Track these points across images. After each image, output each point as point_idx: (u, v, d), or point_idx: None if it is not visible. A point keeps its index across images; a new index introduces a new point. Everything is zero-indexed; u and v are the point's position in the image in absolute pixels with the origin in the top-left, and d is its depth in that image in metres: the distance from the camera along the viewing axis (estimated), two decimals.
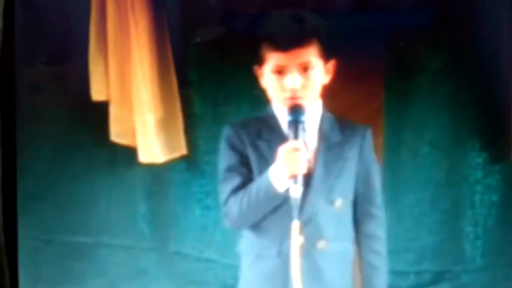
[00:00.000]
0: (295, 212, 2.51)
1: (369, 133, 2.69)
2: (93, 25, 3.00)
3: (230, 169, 2.64)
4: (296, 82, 2.58)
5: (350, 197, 2.65)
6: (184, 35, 3.02)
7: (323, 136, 2.65)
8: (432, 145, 3.06)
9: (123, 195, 3.07)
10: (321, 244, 2.59)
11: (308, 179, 2.56)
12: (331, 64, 2.65)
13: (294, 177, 2.51)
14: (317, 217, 2.59)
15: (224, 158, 2.66)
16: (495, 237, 3.05)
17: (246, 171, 2.62)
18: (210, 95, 3.04)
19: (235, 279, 2.81)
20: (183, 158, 3.06)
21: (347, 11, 3.04)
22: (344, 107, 2.91)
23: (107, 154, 3.05)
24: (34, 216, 3.00)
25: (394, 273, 3.04)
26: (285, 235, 2.55)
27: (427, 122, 3.05)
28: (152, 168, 3.05)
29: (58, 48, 3.02)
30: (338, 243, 2.62)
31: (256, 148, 2.63)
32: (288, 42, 2.57)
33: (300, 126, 2.55)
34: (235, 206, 2.59)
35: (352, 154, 2.66)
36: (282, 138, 2.59)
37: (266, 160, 2.60)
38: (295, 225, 2.51)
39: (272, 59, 2.60)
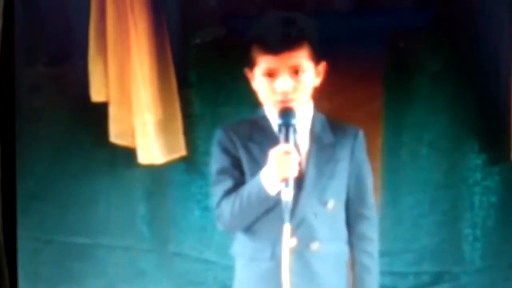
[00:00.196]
0: (286, 216, 2.50)
1: (360, 134, 2.68)
2: (93, 26, 3.00)
3: (222, 172, 2.63)
4: (287, 85, 2.57)
5: (343, 198, 2.65)
6: (183, 36, 3.02)
7: (315, 138, 2.64)
8: (432, 146, 3.07)
9: (122, 196, 3.07)
10: (314, 246, 2.58)
11: (300, 180, 2.56)
12: (322, 66, 2.64)
13: (285, 180, 2.50)
14: (310, 219, 2.59)
15: (216, 161, 2.65)
16: (494, 238, 3.05)
17: (238, 174, 2.62)
18: (210, 96, 3.04)
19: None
20: (182, 159, 3.07)
21: (347, 12, 3.04)
22: (343, 107, 2.92)
23: (107, 155, 3.05)
24: (33, 216, 3.01)
25: (394, 274, 3.05)
26: (278, 238, 2.54)
27: (427, 123, 3.06)
28: (151, 169, 3.05)
29: (57, 48, 3.02)
30: (331, 244, 2.62)
31: (248, 150, 2.63)
32: (278, 46, 2.56)
33: (291, 129, 2.55)
34: (227, 208, 2.59)
35: (344, 155, 2.65)
36: (274, 141, 2.59)
37: (258, 163, 2.60)
38: (287, 228, 2.51)
39: (263, 62, 2.59)
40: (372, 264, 2.66)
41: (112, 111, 3.03)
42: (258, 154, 2.60)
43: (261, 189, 2.53)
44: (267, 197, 2.53)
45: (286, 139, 2.52)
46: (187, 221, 3.07)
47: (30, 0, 2.97)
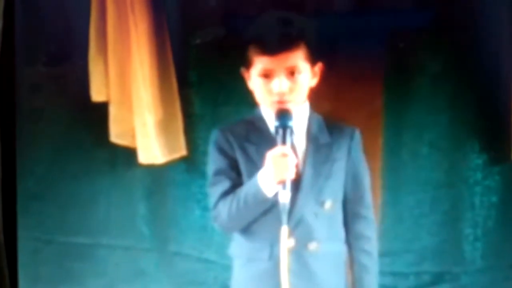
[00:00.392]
0: (284, 217, 2.50)
1: (357, 134, 2.68)
2: (93, 26, 3.00)
3: (218, 173, 2.63)
4: (284, 86, 2.56)
5: (340, 198, 2.65)
6: (184, 37, 3.02)
7: (312, 138, 2.64)
8: (432, 146, 3.07)
9: (122, 196, 3.07)
10: (312, 246, 2.58)
11: (297, 181, 2.55)
12: (318, 67, 2.64)
13: (283, 182, 2.50)
14: (308, 219, 2.59)
15: (213, 162, 2.65)
16: (495, 238, 3.05)
17: (235, 175, 2.62)
18: (210, 96, 3.05)
19: None
20: (182, 159, 3.07)
21: (347, 12, 3.04)
22: (344, 108, 2.92)
23: (107, 154, 3.05)
24: (34, 216, 3.01)
25: (394, 274, 3.05)
26: (276, 238, 2.54)
27: (427, 123, 3.05)
28: (151, 169, 3.05)
29: (58, 48, 3.03)
30: (329, 244, 2.61)
31: (244, 151, 2.62)
32: (275, 46, 2.55)
33: (288, 131, 2.55)
34: (224, 210, 2.59)
35: (340, 155, 2.65)
36: (270, 141, 2.59)
37: (254, 163, 2.59)
38: (284, 230, 2.51)
39: (259, 63, 2.58)
40: (371, 263, 2.66)
41: (113, 111, 3.03)
42: (254, 155, 2.60)
43: (258, 191, 2.53)
44: (264, 199, 2.53)
45: (283, 141, 2.52)
46: (188, 220, 3.07)
47: (30, 0, 2.97)
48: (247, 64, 2.60)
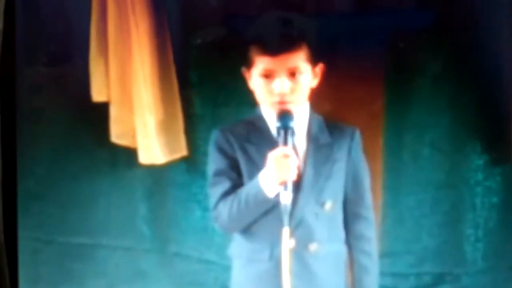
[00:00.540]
0: (285, 219, 2.50)
1: (357, 134, 2.69)
2: (94, 26, 3.00)
3: (219, 173, 2.64)
4: (285, 87, 2.57)
5: (340, 198, 2.65)
6: (184, 37, 3.02)
7: (312, 138, 2.65)
8: (433, 147, 3.06)
9: (123, 196, 3.07)
10: (313, 247, 2.59)
11: (298, 182, 2.56)
12: (319, 67, 2.64)
13: (284, 183, 2.51)
14: (308, 220, 2.59)
15: (213, 162, 2.66)
16: (496, 239, 3.04)
17: (235, 175, 2.62)
18: (211, 96, 3.04)
19: None
20: (183, 160, 3.06)
21: (347, 12, 3.04)
22: (344, 108, 2.91)
23: (107, 155, 3.05)
24: (34, 216, 3.00)
25: (395, 275, 3.04)
26: (277, 239, 2.55)
27: (428, 124, 3.05)
28: (152, 169, 3.05)
29: (58, 49, 3.02)
30: (330, 245, 2.62)
31: (245, 151, 2.63)
32: (276, 47, 2.56)
33: (289, 132, 2.55)
34: (224, 210, 2.59)
35: (341, 155, 2.65)
36: (271, 141, 2.59)
37: (255, 164, 2.60)
38: (286, 231, 2.51)
39: (260, 63, 2.59)
40: (371, 263, 2.66)
41: (113, 111, 3.02)
42: (255, 155, 2.61)
43: (259, 192, 2.53)
44: (265, 200, 2.54)
45: (285, 142, 2.53)
46: (188, 221, 3.07)
47: (31, 0, 2.97)
48: (248, 64, 2.61)
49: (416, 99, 3.04)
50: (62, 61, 3.02)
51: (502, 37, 2.98)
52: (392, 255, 3.02)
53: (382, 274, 2.82)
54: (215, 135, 2.66)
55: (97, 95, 3.01)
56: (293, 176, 2.51)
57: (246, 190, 2.57)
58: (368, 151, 2.75)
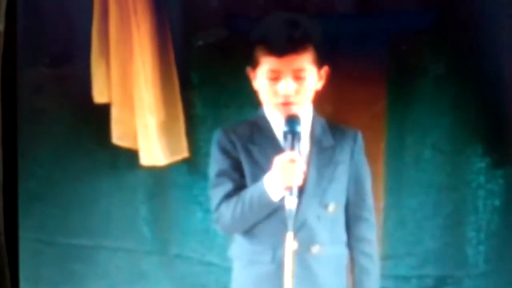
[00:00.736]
0: (290, 223, 2.50)
1: (359, 136, 2.69)
2: (95, 27, 3.00)
3: (221, 174, 2.63)
4: (290, 88, 2.57)
5: (343, 201, 2.65)
6: (186, 38, 3.02)
7: (315, 141, 2.65)
8: (435, 149, 3.06)
9: (124, 198, 3.07)
10: (315, 249, 2.58)
11: (301, 184, 2.56)
12: (325, 70, 2.64)
13: (290, 188, 2.50)
14: (311, 222, 2.58)
15: (215, 162, 2.65)
16: (498, 242, 3.03)
17: (238, 176, 2.62)
18: (212, 98, 3.04)
19: None
20: (184, 161, 3.06)
21: (349, 14, 3.03)
22: (346, 110, 2.91)
23: (109, 156, 3.04)
24: (35, 218, 3.00)
25: (397, 277, 3.03)
26: (279, 241, 2.54)
27: (430, 125, 3.05)
28: (153, 171, 3.04)
29: (60, 50, 3.02)
30: (332, 247, 2.61)
31: (248, 152, 2.63)
32: (283, 48, 2.56)
33: (296, 137, 2.54)
34: (227, 212, 2.59)
35: (343, 158, 2.65)
36: (274, 142, 2.59)
37: (258, 165, 2.60)
38: (290, 236, 2.50)
39: (266, 63, 2.59)
40: (371, 266, 2.66)
41: (115, 113, 3.02)
42: (258, 156, 2.61)
43: (263, 195, 2.53)
44: (269, 203, 2.53)
45: (292, 147, 2.52)
46: (189, 223, 3.06)
47: (32, 1, 2.97)
48: (253, 64, 2.61)
49: (418, 101, 3.03)
50: (64, 62, 3.02)
51: (504, 39, 2.98)
52: (394, 258, 3.02)
53: (384, 276, 2.82)
54: (217, 136, 2.66)
55: (99, 96, 3.01)
56: (299, 181, 2.51)
57: (250, 192, 2.56)
58: (369, 153, 2.75)
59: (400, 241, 3.04)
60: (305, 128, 2.63)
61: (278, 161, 2.51)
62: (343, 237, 2.64)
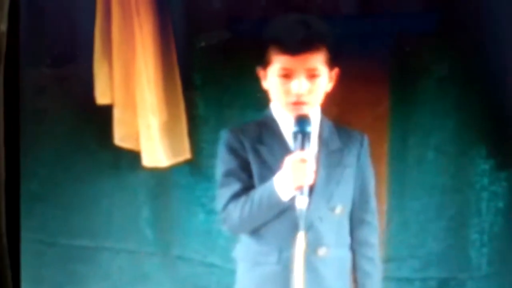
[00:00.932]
0: (301, 223, 2.50)
1: (366, 140, 2.69)
2: (98, 28, 3.00)
3: (229, 174, 2.62)
4: (303, 87, 2.57)
5: (349, 204, 2.64)
6: (188, 39, 3.02)
7: (323, 143, 2.64)
8: (438, 151, 3.05)
9: (126, 199, 3.07)
10: (322, 251, 2.58)
11: (310, 186, 2.56)
12: (335, 72, 2.64)
13: (300, 188, 2.50)
14: (318, 224, 2.58)
15: (223, 162, 2.64)
16: (501, 244, 3.03)
17: (246, 176, 2.61)
18: (214, 99, 3.04)
19: None
20: (187, 162, 3.06)
21: (352, 16, 3.03)
22: (349, 112, 2.91)
23: (111, 157, 3.05)
24: (37, 218, 3.00)
25: (400, 280, 3.03)
26: (286, 242, 2.54)
27: (433, 127, 3.04)
28: (155, 172, 3.04)
29: (62, 50, 3.03)
30: (337, 250, 2.61)
31: (257, 152, 2.62)
32: (297, 46, 2.56)
33: (307, 137, 2.54)
34: (235, 212, 2.58)
35: (351, 161, 2.65)
36: (283, 143, 2.59)
37: (267, 165, 2.59)
38: (301, 236, 2.50)
39: (279, 62, 2.59)
40: (373, 269, 2.66)
41: (117, 114, 3.02)
42: (267, 156, 2.60)
43: (273, 195, 2.52)
44: (278, 203, 2.53)
45: (302, 147, 2.52)
46: (191, 224, 3.06)
47: (35, 2, 2.98)
48: (265, 63, 2.61)
49: (421, 102, 3.03)
50: (66, 63, 3.02)
51: (507, 40, 2.97)
52: (397, 260, 3.01)
53: (387, 279, 2.81)
54: (225, 136, 2.65)
55: (101, 97, 3.02)
56: (310, 181, 2.50)
57: (260, 192, 2.56)
58: (372, 155, 2.74)
59: (403, 243, 3.03)
60: (313, 129, 2.62)
61: (289, 160, 2.51)
62: (348, 240, 2.64)
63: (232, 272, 2.77)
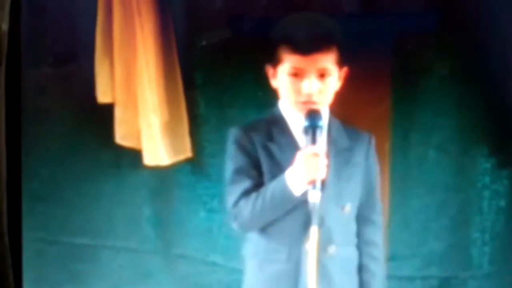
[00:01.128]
0: (315, 217, 2.50)
1: (373, 140, 2.70)
2: (99, 27, 3.01)
3: (239, 172, 2.62)
4: (313, 87, 2.57)
5: (356, 202, 2.65)
6: (189, 38, 3.02)
7: (332, 141, 2.65)
8: (440, 150, 3.05)
9: (127, 198, 3.07)
10: (331, 249, 2.58)
11: (322, 180, 2.56)
12: (344, 71, 2.65)
13: (313, 182, 2.50)
14: (328, 222, 2.58)
15: (233, 160, 2.64)
16: (503, 243, 3.02)
17: (256, 174, 2.61)
18: (216, 98, 3.04)
19: (240, 282, 2.80)
20: (188, 161, 3.06)
21: (353, 14, 3.03)
22: (350, 110, 2.90)
23: (112, 156, 3.05)
24: (38, 217, 3.01)
25: (401, 278, 3.03)
26: (295, 239, 2.55)
27: (435, 126, 3.04)
28: (157, 171, 3.05)
29: (63, 50, 3.03)
30: (345, 248, 2.62)
31: (267, 150, 2.62)
32: (308, 47, 2.56)
33: (318, 131, 2.54)
34: (246, 208, 2.58)
35: (359, 160, 2.66)
36: (293, 140, 2.60)
37: (277, 163, 2.59)
38: (314, 230, 2.50)
39: (289, 62, 2.59)
40: (378, 269, 2.67)
41: (118, 113, 3.03)
42: (278, 154, 2.61)
43: (285, 189, 2.53)
44: (291, 198, 2.53)
45: (313, 141, 2.52)
46: (192, 223, 3.06)
47: (36, 1, 2.98)
48: (275, 62, 2.61)
49: (422, 101, 3.02)
50: (67, 62, 3.03)
51: (508, 38, 2.97)
52: (398, 259, 3.01)
53: (388, 277, 2.82)
54: (235, 133, 2.65)
55: (102, 96, 3.02)
56: (323, 175, 2.50)
57: (272, 187, 2.56)
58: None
59: (405, 242, 3.03)
60: (323, 128, 2.62)
61: (301, 155, 2.51)
62: (354, 239, 2.65)
63: (233, 271, 2.78)
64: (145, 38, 3.00)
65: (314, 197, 2.49)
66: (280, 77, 2.61)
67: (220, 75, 3.01)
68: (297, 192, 2.52)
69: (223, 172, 2.74)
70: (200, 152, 3.05)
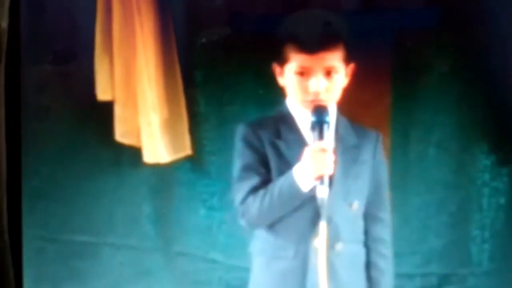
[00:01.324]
0: (323, 212, 2.50)
1: (381, 138, 2.69)
2: (99, 25, 3.00)
3: (247, 168, 2.61)
4: (320, 86, 2.56)
5: (364, 200, 2.65)
6: (189, 36, 3.02)
7: (340, 139, 2.64)
8: (440, 147, 3.05)
9: (127, 195, 3.07)
10: (339, 246, 2.58)
11: (330, 176, 2.56)
12: (351, 67, 2.64)
13: (321, 178, 2.50)
14: (336, 219, 2.58)
15: (241, 157, 2.63)
16: (503, 240, 3.03)
17: (264, 171, 2.60)
18: (215, 96, 3.04)
19: (240, 280, 2.81)
20: (188, 158, 3.06)
21: (354, 11, 3.02)
22: (351, 108, 2.89)
23: (112, 154, 3.05)
24: (38, 215, 3.01)
25: (401, 275, 3.02)
26: (303, 236, 2.55)
27: (435, 123, 3.04)
28: (157, 168, 3.05)
29: (63, 47, 3.03)
30: (352, 246, 2.61)
31: (275, 147, 2.61)
32: (315, 45, 2.55)
33: (325, 126, 2.54)
34: (254, 205, 2.57)
35: (367, 158, 2.65)
36: (301, 138, 2.59)
37: (285, 160, 2.59)
38: (323, 225, 2.50)
39: (297, 60, 2.57)
40: (387, 266, 2.66)
41: (118, 110, 3.03)
42: (285, 151, 2.60)
43: (293, 186, 2.52)
44: (299, 194, 2.52)
45: (321, 137, 2.52)
46: (192, 220, 3.07)
47: (35, 0, 2.98)
48: (282, 61, 2.60)
49: (422, 98, 3.02)
50: (67, 60, 3.03)
51: (509, 36, 2.96)
52: (398, 256, 2.99)
53: None
54: (242, 130, 2.64)
55: (102, 94, 3.02)
56: (330, 171, 2.50)
57: (279, 183, 2.55)
58: None
59: (404, 239, 3.03)
60: (330, 126, 2.62)
61: (308, 150, 2.51)
62: (362, 236, 2.64)
63: (233, 268, 2.78)
64: (145, 36, 3.00)
65: (322, 193, 2.49)
66: (287, 75, 2.60)
67: (220, 73, 3.01)
68: (305, 188, 2.52)
69: (222, 170, 2.75)
70: (200, 150, 3.05)
